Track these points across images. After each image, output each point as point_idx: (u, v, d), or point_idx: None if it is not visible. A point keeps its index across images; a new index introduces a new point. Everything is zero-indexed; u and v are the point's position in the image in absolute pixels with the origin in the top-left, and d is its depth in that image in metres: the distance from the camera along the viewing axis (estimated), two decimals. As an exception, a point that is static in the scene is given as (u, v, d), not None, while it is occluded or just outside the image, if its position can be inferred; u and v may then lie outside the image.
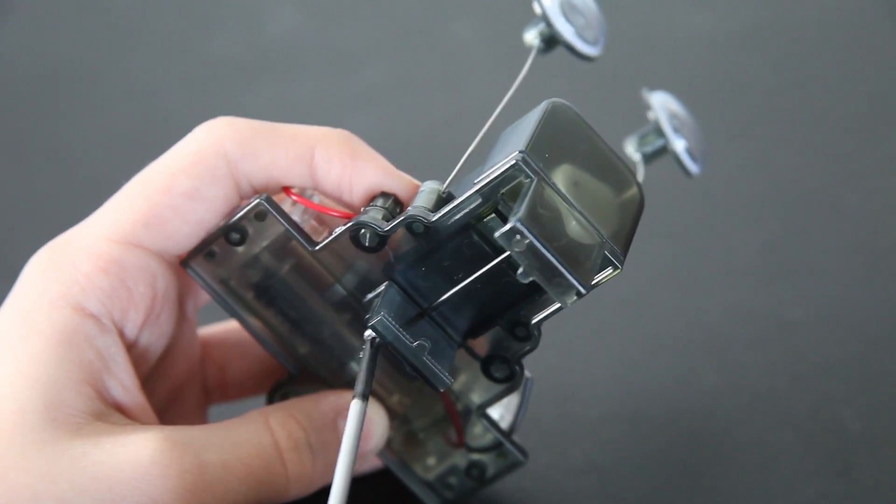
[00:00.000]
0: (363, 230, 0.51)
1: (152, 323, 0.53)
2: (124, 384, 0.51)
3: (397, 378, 0.56)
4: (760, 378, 0.66)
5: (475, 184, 0.50)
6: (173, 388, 0.57)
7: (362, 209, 0.52)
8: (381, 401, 0.56)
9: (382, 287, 0.52)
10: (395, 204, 0.52)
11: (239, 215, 0.52)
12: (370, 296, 0.52)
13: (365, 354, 0.50)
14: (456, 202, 0.50)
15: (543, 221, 0.48)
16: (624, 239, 0.50)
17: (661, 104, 0.60)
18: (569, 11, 0.57)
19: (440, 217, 0.50)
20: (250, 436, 0.51)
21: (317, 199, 0.54)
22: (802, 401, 0.65)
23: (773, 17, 0.94)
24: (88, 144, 0.87)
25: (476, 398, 0.55)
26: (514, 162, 0.49)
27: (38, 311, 0.51)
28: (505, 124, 0.53)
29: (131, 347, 0.53)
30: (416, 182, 0.53)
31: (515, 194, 0.49)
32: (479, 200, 0.50)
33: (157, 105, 0.90)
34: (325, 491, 0.51)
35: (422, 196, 0.52)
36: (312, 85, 0.92)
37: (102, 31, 0.97)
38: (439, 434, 0.57)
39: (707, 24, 0.94)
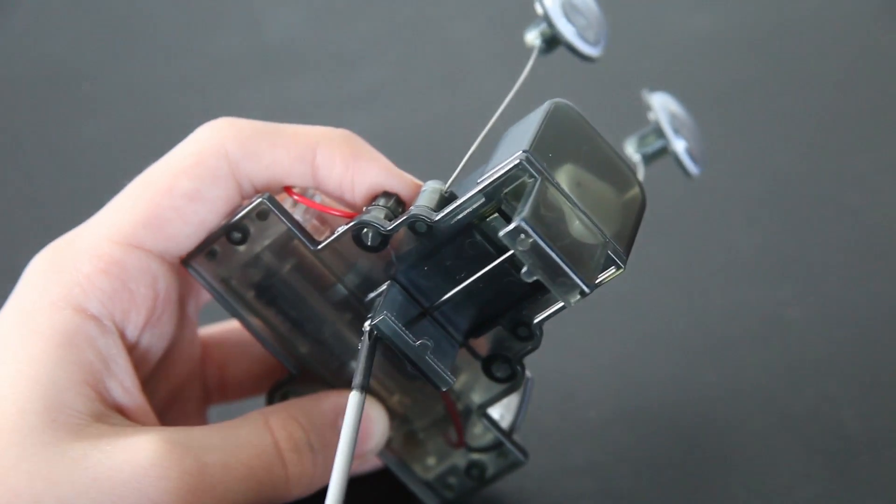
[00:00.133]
0: (365, 229, 0.51)
1: (153, 324, 0.53)
2: (125, 385, 0.51)
3: (398, 378, 0.56)
4: (760, 378, 0.66)
5: (478, 183, 0.50)
6: (174, 388, 0.57)
7: (364, 208, 0.52)
8: (382, 401, 0.56)
9: (384, 286, 0.52)
10: (398, 203, 0.52)
11: (241, 214, 0.52)
12: (372, 295, 0.53)
13: (363, 347, 0.50)
14: (459, 202, 0.50)
15: (547, 221, 0.48)
16: (626, 239, 0.50)
17: (662, 105, 0.61)
18: (570, 12, 0.57)
19: (443, 216, 0.50)
20: (251, 437, 0.51)
21: (318, 199, 0.54)
22: (802, 401, 0.65)
23: (773, 17, 0.94)
24: (88, 144, 0.87)
25: (476, 398, 0.55)
26: (517, 161, 0.49)
27: (39, 312, 0.51)
28: (506, 125, 0.53)
29: (132, 349, 0.52)
30: (418, 182, 0.53)
31: (518, 194, 0.49)
32: (483, 200, 0.50)
33: (157, 105, 0.90)
34: (326, 489, 0.51)
35: (424, 195, 0.52)
36: (312, 85, 0.92)
37: (102, 31, 0.97)
38: (439, 434, 0.57)
39: (707, 24, 0.94)
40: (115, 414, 0.51)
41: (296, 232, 0.52)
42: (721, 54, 0.91)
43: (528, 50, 0.57)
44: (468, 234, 0.51)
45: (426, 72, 0.93)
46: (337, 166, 0.52)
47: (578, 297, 0.48)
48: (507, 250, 0.50)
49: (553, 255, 0.47)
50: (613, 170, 0.52)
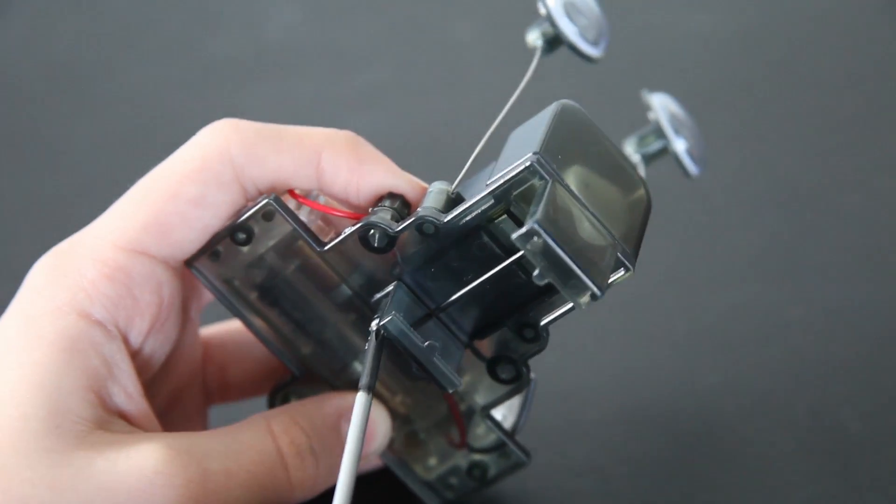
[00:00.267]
0: (372, 230, 0.51)
1: (157, 330, 0.53)
2: (128, 391, 0.51)
3: (400, 378, 0.56)
4: (760, 378, 0.66)
5: (488, 185, 0.50)
6: (175, 390, 0.57)
7: (370, 209, 0.52)
8: (384, 402, 0.56)
9: (391, 287, 0.52)
10: (403, 205, 0.52)
11: (246, 215, 0.52)
12: (378, 296, 0.52)
13: (370, 347, 0.50)
14: (468, 203, 0.50)
15: (559, 224, 0.48)
16: (634, 240, 0.50)
17: (661, 105, 0.61)
18: (572, 11, 0.57)
19: (451, 218, 0.50)
20: (253, 442, 0.51)
21: (322, 200, 0.54)
22: (802, 401, 0.65)
23: (773, 17, 0.94)
24: (88, 144, 0.87)
25: (480, 399, 0.55)
26: (529, 163, 0.49)
27: (44, 317, 0.50)
28: (509, 126, 0.53)
29: (136, 354, 0.52)
30: (423, 184, 0.53)
31: (527, 195, 0.49)
32: (492, 202, 0.50)
33: (157, 105, 0.90)
34: (330, 492, 0.51)
35: (431, 197, 0.52)
36: (312, 85, 0.92)
37: (102, 31, 0.97)
38: (441, 434, 0.57)
39: (707, 24, 0.94)
40: (118, 420, 0.51)
41: (302, 233, 0.52)
42: (721, 54, 0.91)
43: (529, 50, 0.57)
44: (476, 236, 0.51)
45: (425, 72, 0.93)
46: (342, 170, 0.52)
47: (590, 300, 0.48)
48: (515, 252, 0.50)
49: (566, 258, 0.47)
50: (620, 171, 0.52)
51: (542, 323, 0.52)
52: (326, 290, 0.53)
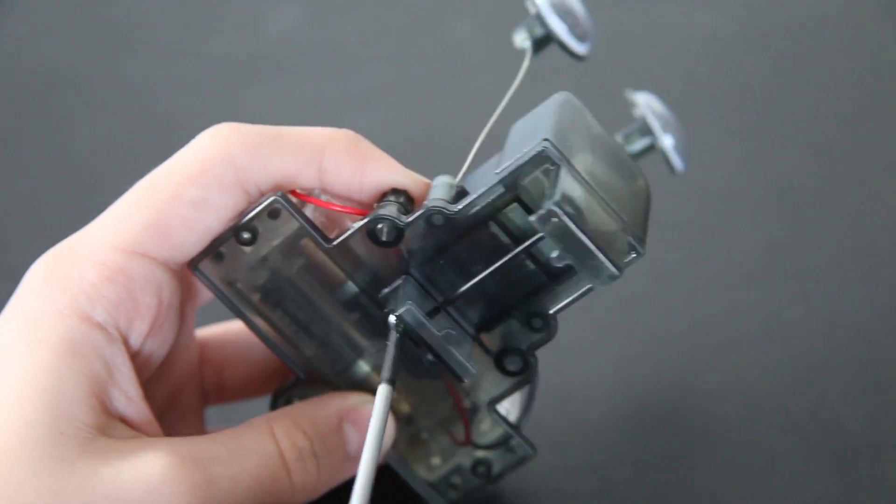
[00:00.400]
0: (380, 224, 0.51)
1: (156, 332, 0.52)
2: (129, 395, 0.51)
3: (404, 378, 0.56)
4: (760, 379, 0.66)
5: (498, 173, 0.50)
6: (172, 391, 0.56)
7: (375, 205, 0.52)
8: (388, 402, 0.56)
9: (399, 281, 0.52)
10: (408, 200, 0.52)
11: (251, 214, 0.52)
12: (386, 290, 0.53)
13: (391, 339, 0.50)
14: (479, 192, 0.51)
15: (575, 205, 0.48)
16: (641, 225, 0.51)
17: (646, 103, 0.61)
18: (560, 10, 0.58)
19: (462, 208, 0.51)
20: (256, 447, 0.51)
21: (323, 198, 0.54)
22: (802, 401, 0.65)
23: (773, 17, 0.94)
24: (88, 144, 0.87)
25: (484, 395, 0.55)
26: (541, 149, 0.49)
27: (44, 320, 0.50)
28: (506, 122, 0.53)
29: (135, 357, 0.52)
30: (426, 179, 0.53)
31: (536, 184, 0.50)
32: (502, 190, 0.51)
33: (157, 105, 0.90)
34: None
35: (437, 189, 0.52)
36: (312, 85, 0.92)
37: (102, 31, 0.97)
38: (444, 433, 0.57)
39: (707, 24, 0.94)
40: (119, 424, 0.50)
41: (309, 229, 0.52)
42: (721, 54, 0.91)
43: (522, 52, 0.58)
44: (484, 226, 0.51)
45: (425, 72, 0.93)
46: (345, 168, 0.52)
47: (609, 280, 0.49)
48: (525, 241, 0.51)
49: (584, 238, 0.48)
50: (620, 160, 0.53)
51: (552, 311, 0.53)
52: (331, 289, 0.53)
